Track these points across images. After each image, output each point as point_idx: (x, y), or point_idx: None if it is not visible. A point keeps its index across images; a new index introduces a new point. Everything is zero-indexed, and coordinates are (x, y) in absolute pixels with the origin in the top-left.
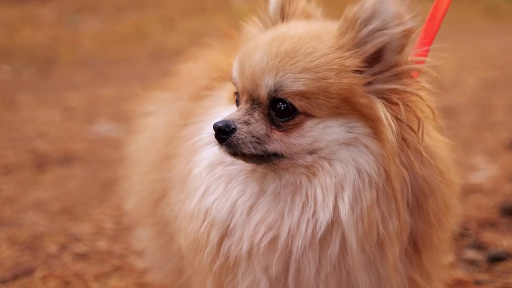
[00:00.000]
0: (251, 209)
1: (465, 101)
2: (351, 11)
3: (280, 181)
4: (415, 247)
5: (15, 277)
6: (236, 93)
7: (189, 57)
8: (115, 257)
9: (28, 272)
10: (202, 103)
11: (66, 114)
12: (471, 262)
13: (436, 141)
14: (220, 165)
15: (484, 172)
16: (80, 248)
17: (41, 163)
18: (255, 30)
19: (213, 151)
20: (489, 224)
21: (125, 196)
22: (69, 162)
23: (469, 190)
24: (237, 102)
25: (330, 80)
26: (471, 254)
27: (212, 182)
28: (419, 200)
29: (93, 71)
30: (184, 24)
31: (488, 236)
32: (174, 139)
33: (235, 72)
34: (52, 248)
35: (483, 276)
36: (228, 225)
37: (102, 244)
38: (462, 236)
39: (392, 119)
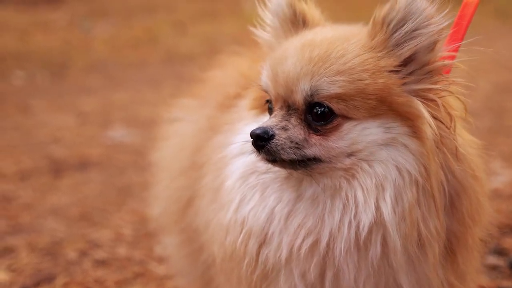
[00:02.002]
0: (289, 215)
1: (478, 105)
2: (380, 12)
3: (318, 185)
4: (450, 247)
5: (37, 284)
6: (268, 101)
7: (216, 64)
8: (136, 263)
9: (49, 279)
10: (229, 113)
11: (80, 119)
12: (493, 268)
13: (465, 140)
14: (253, 174)
15: (502, 177)
16: (100, 254)
17: (57, 168)
18: (276, 37)
19: (244, 161)
20: (510, 229)
21: (152, 202)
22: (85, 168)
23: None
24: (270, 110)
25: (366, 81)
26: (492, 260)
27: (247, 192)
28: (452, 200)
29: (106, 75)
30: (195, 28)
31: (509, 242)
32: (203, 148)
33: (267, 80)
34: (72, 254)
35: (506, 283)
36: (266, 233)
37: (122, 251)
38: (484, 242)
39: (430, 117)
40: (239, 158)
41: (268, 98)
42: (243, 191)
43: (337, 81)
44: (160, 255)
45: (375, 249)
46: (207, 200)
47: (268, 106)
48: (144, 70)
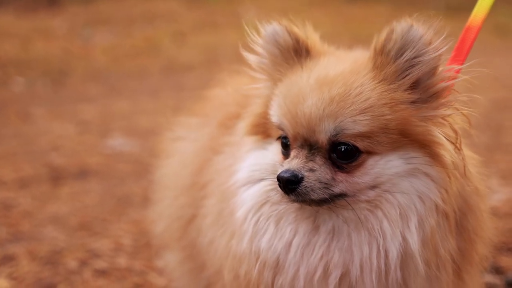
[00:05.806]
0: (306, 247)
1: (476, 122)
2: (379, 42)
3: (338, 217)
4: (456, 265)
5: None
6: (283, 137)
7: (217, 83)
8: (136, 274)
9: None
10: (230, 134)
11: (80, 127)
12: (490, 287)
13: (467, 158)
14: (265, 204)
15: (499, 195)
16: (100, 264)
17: (57, 176)
18: (274, 64)
19: (254, 191)
20: (506, 248)
21: (154, 219)
22: (85, 177)
23: None
24: (285, 145)
25: (387, 117)
26: (489, 278)
27: (260, 223)
28: (458, 218)
29: (106, 84)
30: (195, 39)
31: (505, 261)
32: (204, 167)
33: (282, 119)
34: (72, 264)
35: None
36: (283, 265)
37: (122, 261)
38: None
39: (447, 141)
40: (247, 187)
41: (283, 134)
42: (256, 222)
43: (361, 120)
44: (163, 269)
45: (395, 275)
46: (210, 221)
47: (283, 141)
48: (144, 80)
